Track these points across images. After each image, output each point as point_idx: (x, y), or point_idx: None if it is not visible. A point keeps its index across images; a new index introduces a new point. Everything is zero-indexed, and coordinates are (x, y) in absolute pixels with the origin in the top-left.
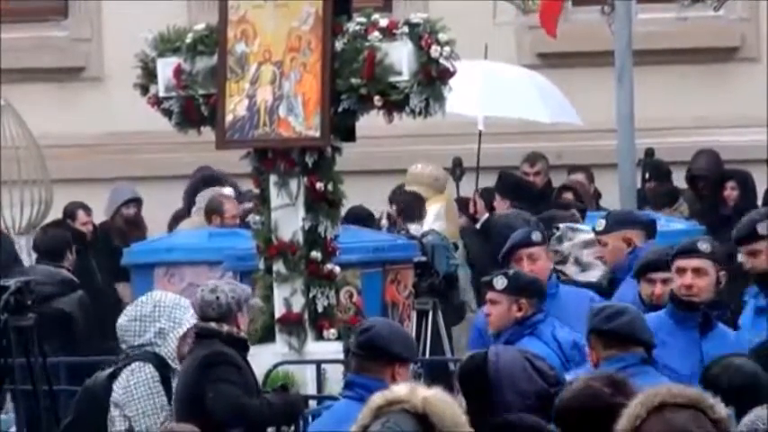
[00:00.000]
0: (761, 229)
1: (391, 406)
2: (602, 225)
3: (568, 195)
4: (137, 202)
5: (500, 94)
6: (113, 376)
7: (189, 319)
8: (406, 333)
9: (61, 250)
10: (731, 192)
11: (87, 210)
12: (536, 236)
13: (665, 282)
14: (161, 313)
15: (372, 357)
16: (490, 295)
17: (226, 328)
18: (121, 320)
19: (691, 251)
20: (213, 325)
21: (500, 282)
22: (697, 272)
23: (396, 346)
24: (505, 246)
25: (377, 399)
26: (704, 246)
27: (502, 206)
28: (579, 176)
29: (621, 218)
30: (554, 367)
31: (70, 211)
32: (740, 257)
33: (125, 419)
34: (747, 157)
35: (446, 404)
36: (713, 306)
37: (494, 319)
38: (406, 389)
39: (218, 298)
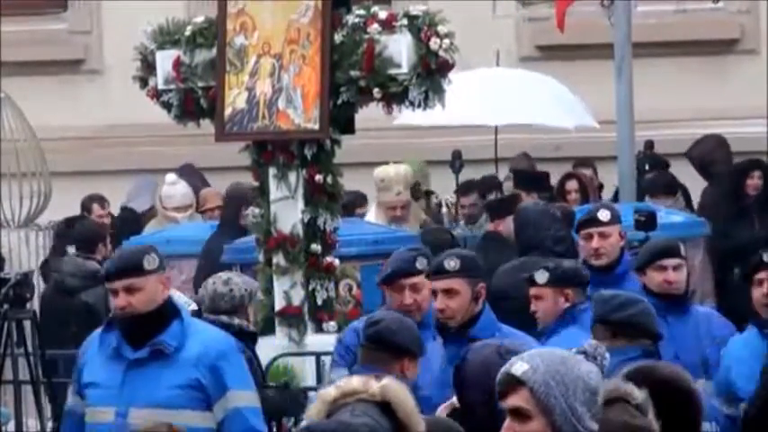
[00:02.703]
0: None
1: (346, 398)
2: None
3: (572, 184)
4: None
5: (520, 102)
6: None
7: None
8: (416, 328)
9: (94, 242)
10: (757, 181)
11: (102, 203)
12: (420, 263)
13: (676, 268)
14: None
15: (381, 350)
16: (534, 291)
17: (237, 321)
18: None
19: (438, 271)
20: (225, 318)
21: (540, 276)
22: (447, 292)
23: (405, 339)
24: (386, 271)
25: (330, 391)
26: (452, 263)
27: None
28: (585, 171)
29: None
30: None
31: (86, 205)
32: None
33: None
34: (747, 148)
35: (403, 391)
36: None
37: (542, 315)
38: (358, 380)
39: (231, 290)
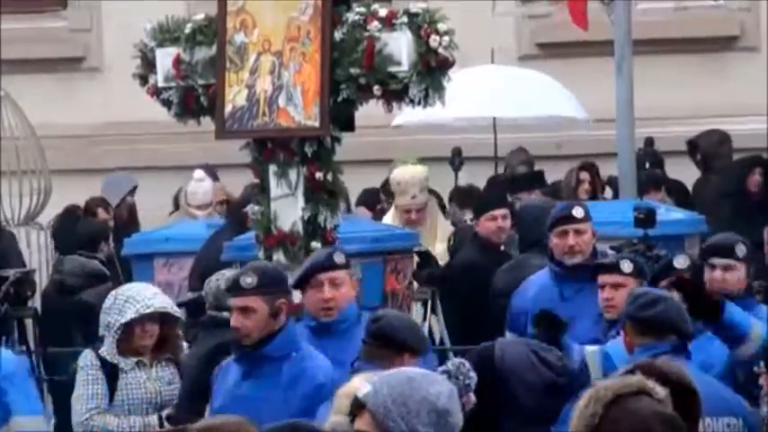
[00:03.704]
0: None
1: None
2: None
3: (585, 175)
4: (134, 190)
5: (522, 96)
6: None
7: (131, 312)
8: (417, 325)
9: (96, 241)
10: (758, 177)
11: (107, 206)
12: (339, 257)
13: (725, 268)
14: (113, 305)
15: (382, 346)
16: (614, 279)
17: None
18: None
19: (234, 288)
20: (227, 315)
21: (627, 265)
22: (243, 311)
23: (406, 336)
24: (303, 268)
25: (346, 394)
26: (248, 280)
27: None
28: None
29: None
30: (562, 357)
31: (91, 209)
32: None
33: None
34: (746, 145)
35: None
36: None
37: (620, 303)
38: (359, 381)
39: None
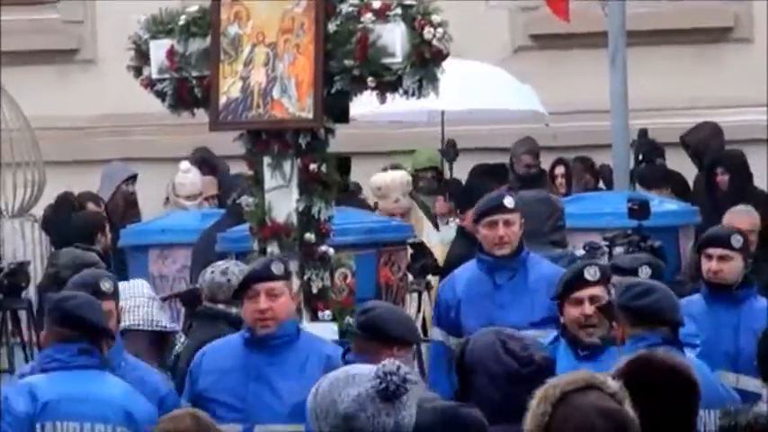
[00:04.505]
0: None
1: None
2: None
3: (560, 169)
4: (134, 179)
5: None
6: None
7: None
8: (408, 316)
9: (93, 232)
10: (721, 177)
11: (97, 200)
12: (277, 268)
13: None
14: None
15: (371, 339)
16: (722, 252)
17: (234, 310)
18: None
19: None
20: (221, 307)
21: (736, 240)
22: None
23: (396, 327)
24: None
25: None
26: (107, 285)
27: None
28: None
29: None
30: (528, 347)
31: (82, 203)
32: None
33: None
34: (739, 137)
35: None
36: None
37: (729, 275)
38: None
39: (228, 280)
